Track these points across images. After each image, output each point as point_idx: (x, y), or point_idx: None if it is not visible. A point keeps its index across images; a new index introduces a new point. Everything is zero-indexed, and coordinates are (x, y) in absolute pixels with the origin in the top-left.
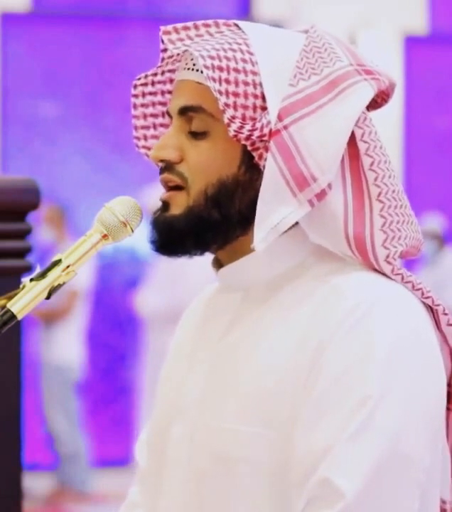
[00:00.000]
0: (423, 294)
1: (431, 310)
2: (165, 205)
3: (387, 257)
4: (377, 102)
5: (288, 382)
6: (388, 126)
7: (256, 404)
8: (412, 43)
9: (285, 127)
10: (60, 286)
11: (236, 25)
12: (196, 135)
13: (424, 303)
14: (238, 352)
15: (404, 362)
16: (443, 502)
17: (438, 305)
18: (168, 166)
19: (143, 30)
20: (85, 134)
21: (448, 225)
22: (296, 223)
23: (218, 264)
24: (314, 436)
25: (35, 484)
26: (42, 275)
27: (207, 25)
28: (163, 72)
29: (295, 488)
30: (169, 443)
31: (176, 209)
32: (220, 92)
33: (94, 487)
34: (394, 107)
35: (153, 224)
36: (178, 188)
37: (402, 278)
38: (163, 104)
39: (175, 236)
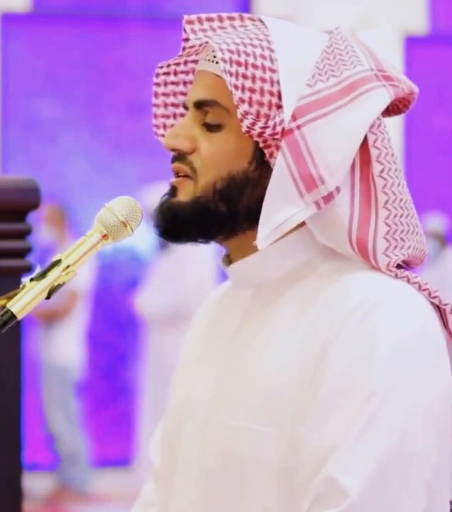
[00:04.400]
0: (430, 294)
1: (439, 309)
2: (174, 190)
3: (388, 265)
4: (398, 107)
5: (295, 379)
6: (388, 126)
7: (266, 403)
8: (412, 43)
9: (298, 127)
10: (60, 286)
11: (260, 20)
12: (210, 127)
13: (431, 302)
14: (248, 350)
15: (408, 359)
16: (450, 502)
17: (445, 304)
18: (179, 156)
19: (143, 30)
20: (85, 134)
21: (449, 225)
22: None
23: (228, 260)
24: (320, 434)
25: (35, 484)
26: (43, 275)
27: (231, 18)
28: (186, 62)
29: (301, 486)
30: (182, 442)
31: (183, 196)
32: (236, 87)
33: (94, 487)
34: None
35: (158, 208)
36: (187, 177)
37: (408, 280)
38: (185, 94)
39: (179, 223)
